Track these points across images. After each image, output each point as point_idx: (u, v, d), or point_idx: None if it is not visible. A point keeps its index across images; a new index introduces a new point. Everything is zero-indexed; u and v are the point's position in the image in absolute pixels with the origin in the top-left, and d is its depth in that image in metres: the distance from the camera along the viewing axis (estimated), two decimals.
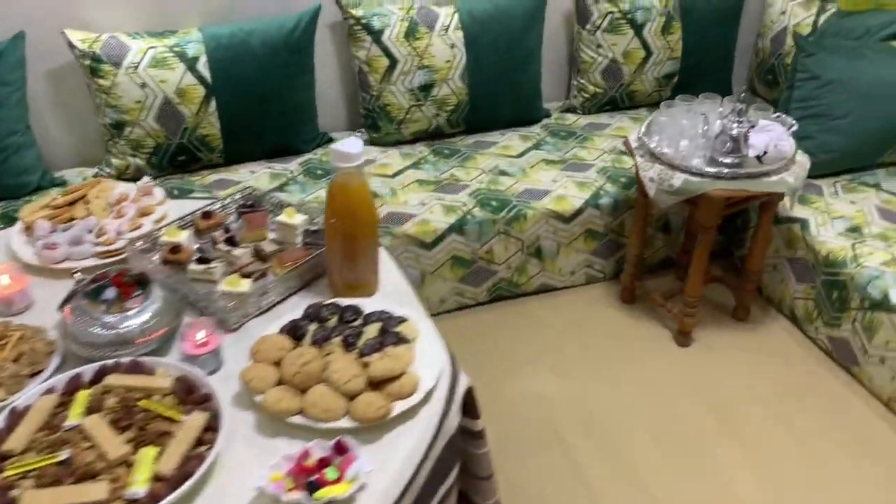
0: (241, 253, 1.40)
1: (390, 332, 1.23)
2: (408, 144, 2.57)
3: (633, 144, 2.09)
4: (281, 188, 2.30)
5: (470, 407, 1.30)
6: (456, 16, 2.46)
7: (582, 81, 2.76)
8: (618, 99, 2.78)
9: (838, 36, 2.51)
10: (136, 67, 2.19)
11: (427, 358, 1.22)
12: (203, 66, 2.24)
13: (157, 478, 1.00)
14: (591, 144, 2.57)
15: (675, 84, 2.80)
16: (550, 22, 2.74)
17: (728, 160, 1.94)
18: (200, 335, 1.15)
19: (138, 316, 1.19)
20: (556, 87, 2.91)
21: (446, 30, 2.45)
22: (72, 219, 1.48)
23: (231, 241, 1.42)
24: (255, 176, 2.36)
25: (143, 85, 2.20)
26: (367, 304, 1.31)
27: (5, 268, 1.27)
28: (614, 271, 2.46)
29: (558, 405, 2.02)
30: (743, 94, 1.98)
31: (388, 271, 1.45)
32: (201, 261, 1.36)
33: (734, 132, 1.91)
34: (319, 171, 2.39)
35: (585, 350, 2.21)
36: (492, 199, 2.25)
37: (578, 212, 2.29)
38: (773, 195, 1.98)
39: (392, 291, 1.40)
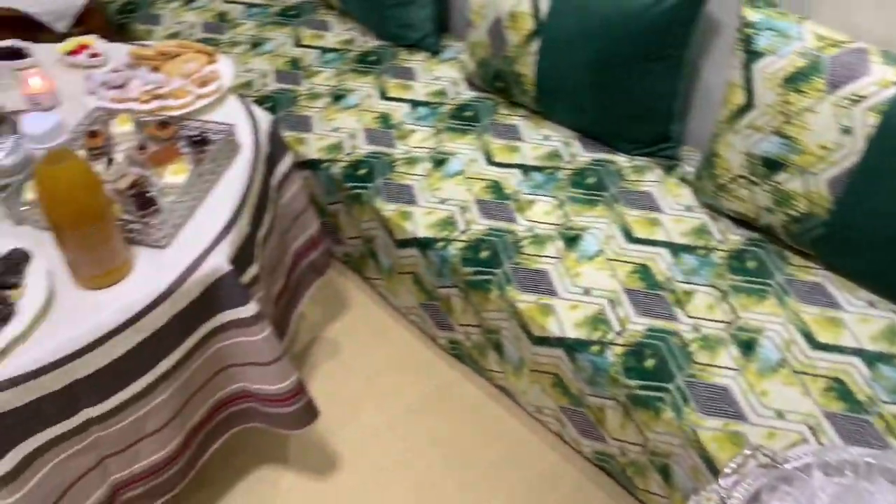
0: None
1: None
2: None
3: None
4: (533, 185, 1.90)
5: (232, 293, 1.28)
6: None
7: None
8: None
9: None
10: None
11: None
12: None
13: None
14: None
15: None
16: None
17: None
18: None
19: None
20: None
21: None
22: (157, 68, 1.62)
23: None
24: (539, 147, 1.98)
25: None
26: None
27: (37, 71, 1.54)
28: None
29: None
30: None
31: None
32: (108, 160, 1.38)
33: None
34: (606, 193, 1.86)
35: None
36: (491, 248, 1.58)
37: (546, 341, 1.40)
38: None
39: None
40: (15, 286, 1.16)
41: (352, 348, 1.95)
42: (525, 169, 1.90)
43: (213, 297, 1.29)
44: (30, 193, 1.31)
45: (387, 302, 2.05)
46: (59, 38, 2.25)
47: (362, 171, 1.92)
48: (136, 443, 1.28)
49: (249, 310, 1.31)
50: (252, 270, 1.40)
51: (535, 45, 1.92)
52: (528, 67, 1.96)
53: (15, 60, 1.68)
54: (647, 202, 1.79)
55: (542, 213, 1.77)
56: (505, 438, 1.73)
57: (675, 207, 1.77)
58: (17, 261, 1.19)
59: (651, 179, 1.85)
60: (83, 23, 2.35)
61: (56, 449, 1.18)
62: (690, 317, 1.52)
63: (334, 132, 2.05)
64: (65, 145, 1.07)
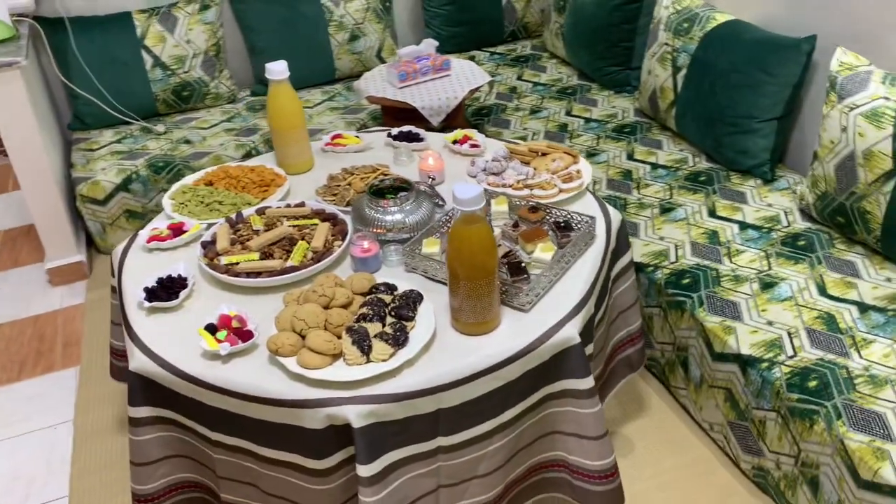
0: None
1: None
2: None
3: None
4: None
5: (576, 365, 1.40)
6: None
7: None
8: None
9: None
10: (854, 108, 1.98)
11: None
12: None
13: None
14: None
15: None
16: None
17: None
18: (365, 244, 1.54)
19: (388, 214, 1.63)
20: None
21: None
22: (527, 162, 1.85)
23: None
24: (880, 287, 1.91)
25: (844, 129, 2.00)
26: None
27: (433, 152, 1.84)
28: None
29: None
30: None
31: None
32: None
33: None
34: None
35: None
36: (821, 379, 1.32)
37: (877, 488, 1.16)
38: None
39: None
40: (411, 319, 1.39)
41: (645, 451, 1.97)
42: (862, 307, 1.83)
43: (560, 363, 1.42)
44: (425, 248, 1.56)
45: (687, 413, 2.05)
46: (435, 129, 2.65)
47: (686, 281, 1.98)
48: (467, 480, 1.42)
49: (587, 383, 1.41)
50: (590, 348, 1.52)
51: (889, 186, 1.88)
52: (877, 207, 1.92)
53: (412, 143, 2.03)
54: None
55: (880, 354, 1.69)
56: None
57: None
58: (414, 299, 1.42)
59: None
60: (448, 120, 2.73)
61: (410, 466, 1.36)
62: None
63: (660, 240, 2.15)
64: (480, 211, 1.28)
